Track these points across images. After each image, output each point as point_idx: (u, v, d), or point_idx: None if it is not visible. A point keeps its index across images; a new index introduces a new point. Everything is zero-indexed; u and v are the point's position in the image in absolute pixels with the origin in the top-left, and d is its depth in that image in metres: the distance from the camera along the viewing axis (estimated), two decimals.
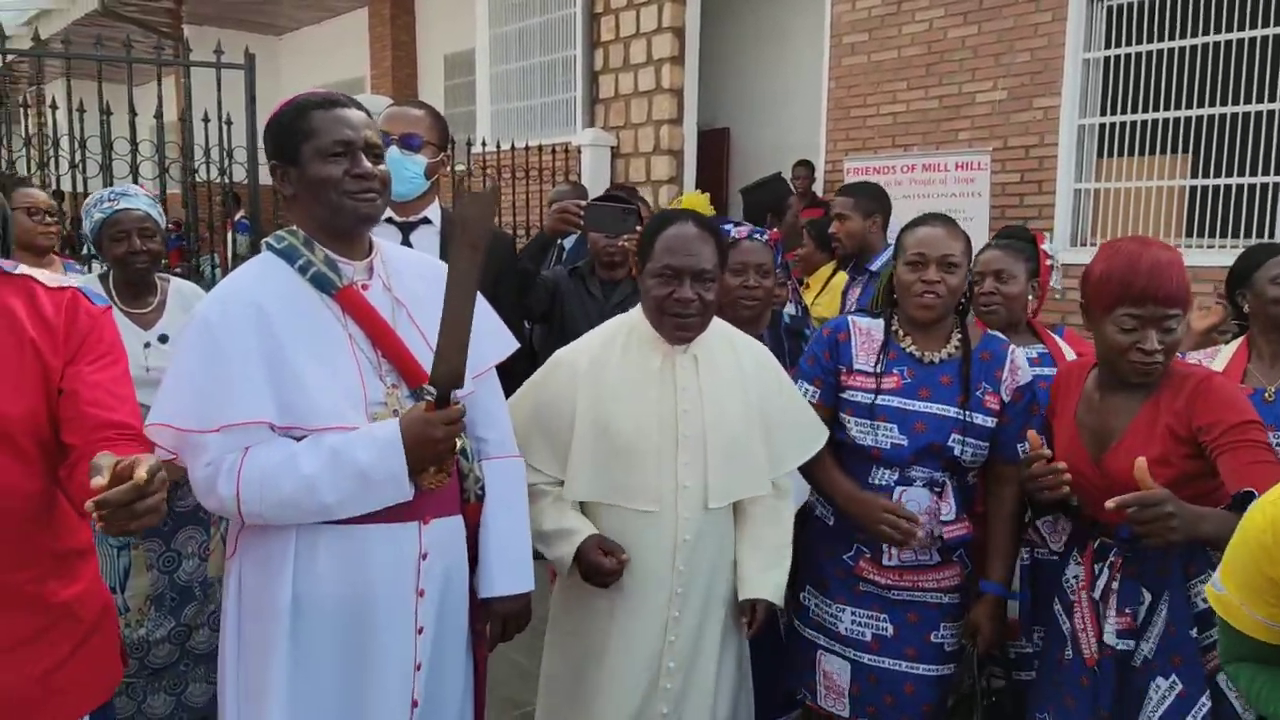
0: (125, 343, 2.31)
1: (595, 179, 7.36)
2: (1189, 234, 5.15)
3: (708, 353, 1.86)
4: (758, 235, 2.25)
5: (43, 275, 1.51)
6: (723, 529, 1.86)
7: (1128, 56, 5.25)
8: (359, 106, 1.60)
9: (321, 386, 1.49)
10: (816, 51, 6.66)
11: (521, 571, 1.71)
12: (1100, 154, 5.43)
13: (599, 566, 1.74)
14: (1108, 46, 5.30)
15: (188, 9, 11.63)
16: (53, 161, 4.77)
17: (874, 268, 3.39)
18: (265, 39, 12.40)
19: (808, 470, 1.99)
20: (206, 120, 4.87)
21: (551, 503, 1.84)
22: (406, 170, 2.25)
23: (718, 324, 1.91)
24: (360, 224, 1.58)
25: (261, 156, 5.00)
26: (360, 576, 1.55)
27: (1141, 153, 5.24)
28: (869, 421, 1.95)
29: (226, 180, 5.11)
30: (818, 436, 1.94)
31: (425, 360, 1.55)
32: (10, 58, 5.56)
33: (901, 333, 2.00)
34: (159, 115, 4.81)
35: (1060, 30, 5.33)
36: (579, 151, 7.53)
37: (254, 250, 5.24)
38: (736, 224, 2.33)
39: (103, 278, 2.44)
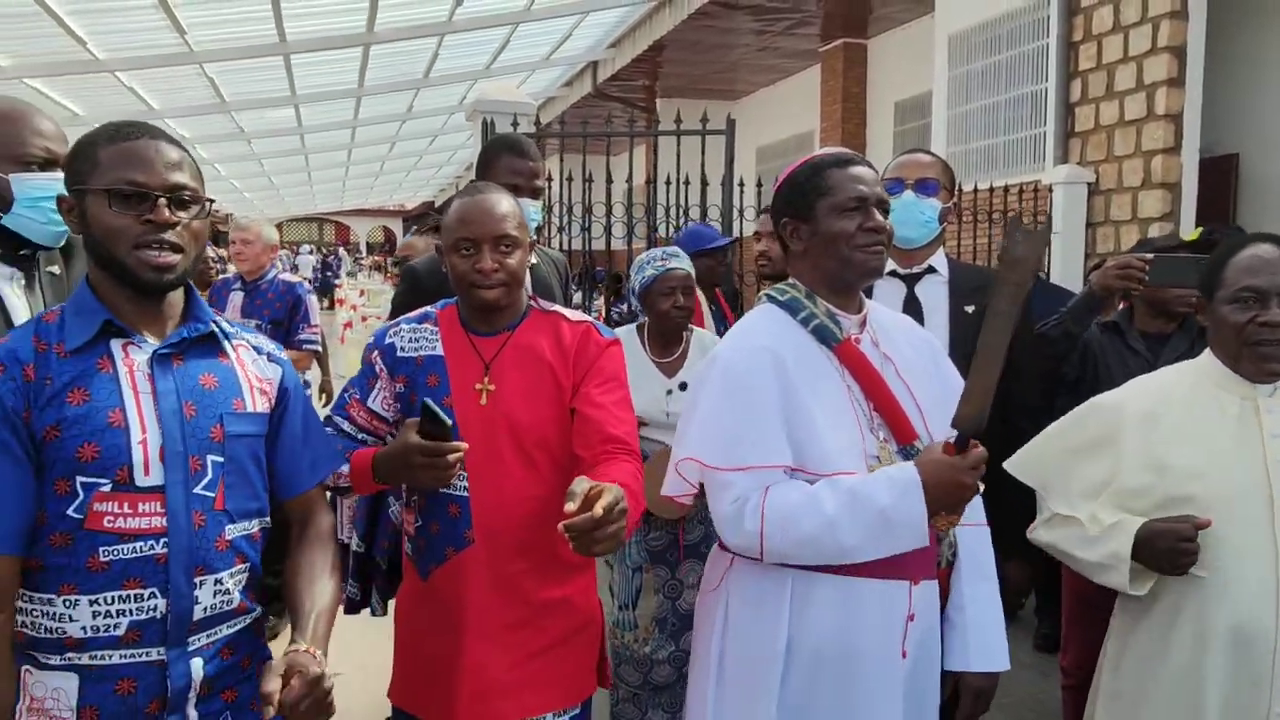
0: (649, 389, 2.54)
1: (1068, 219, 6.74)
2: None
3: None
4: None
5: (566, 311, 1.80)
6: None
7: None
8: (868, 165, 1.63)
9: (829, 435, 1.52)
10: None
11: (997, 647, 1.66)
12: None
13: (1178, 534, 1.58)
14: None
15: (660, 84, 12.98)
16: (549, 226, 5.55)
17: None
18: (723, 104, 13.39)
19: None
20: (674, 183, 5.30)
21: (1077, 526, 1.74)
22: (921, 214, 2.18)
23: None
24: (867, 277, 1.61)
25: (735, 213, 5.37)
26: (852, 631, 1.51)
27: None
28: None
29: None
30: None
31: (912, 416, 1.58)
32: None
33: None
34: (630, 180, 5.37)
35: None
36: (1049, 190, 6.96)
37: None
38: None
39: (639, 328, 2.70)
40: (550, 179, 5.82)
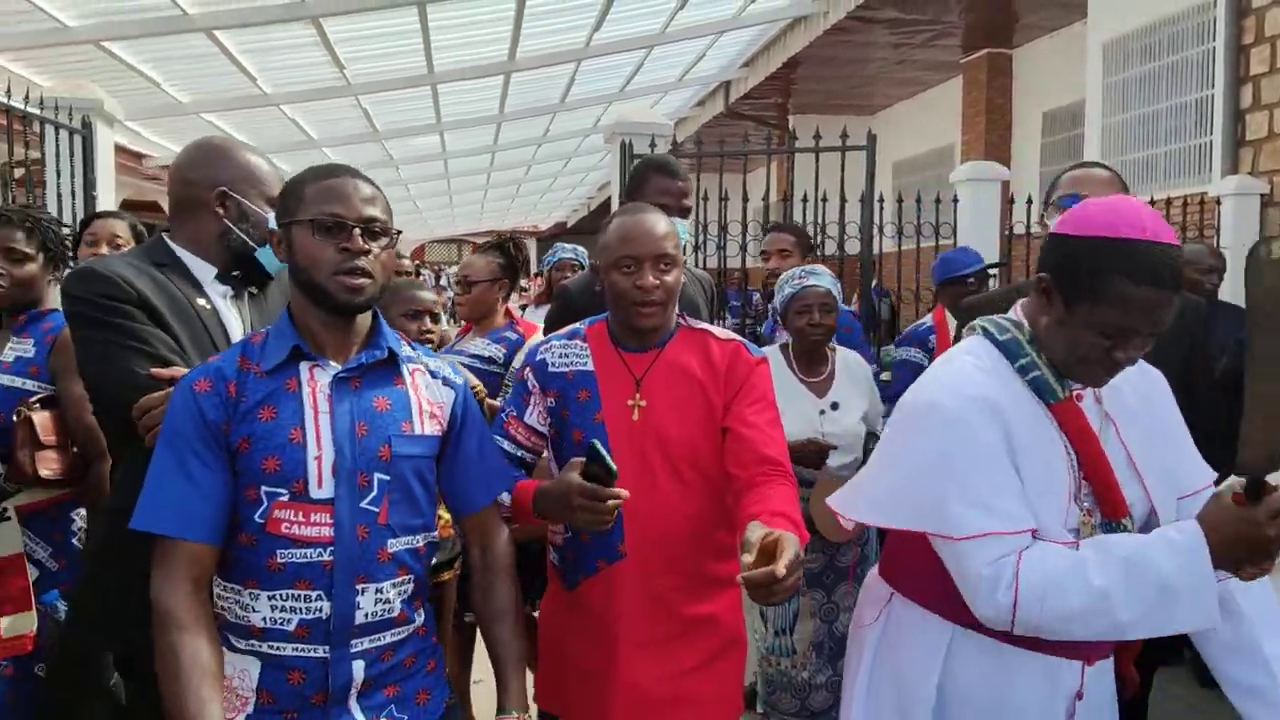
0: (800, 409, 2.52)
1: (1239, 233, 6.29)
2: None
3: None
4: None
5: (714, 329, 1.81)
6: None
7: None
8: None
9: (1037, 501, 1.39)
10: None
11: None
12: None
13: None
14: None
15: (793, 101, 12.89)
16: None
17: None
18: (858, 119, 13.19)
19: None
20: (815, 199, 5.24)
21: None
22: None
23: None
24: (1097, 382, 1.47)
25: (874, 230, 5.26)
26: (1008, 701, 1.45)
27: None
28: None
29: (839, 254, 5.43)
30: None
31: (1127, 484, 1.44)
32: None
33: None
34: (766, 198, 5.35)
35: None
36: (1217, 203, 6.52)
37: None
38: None
39: (784, 348, 2.70)
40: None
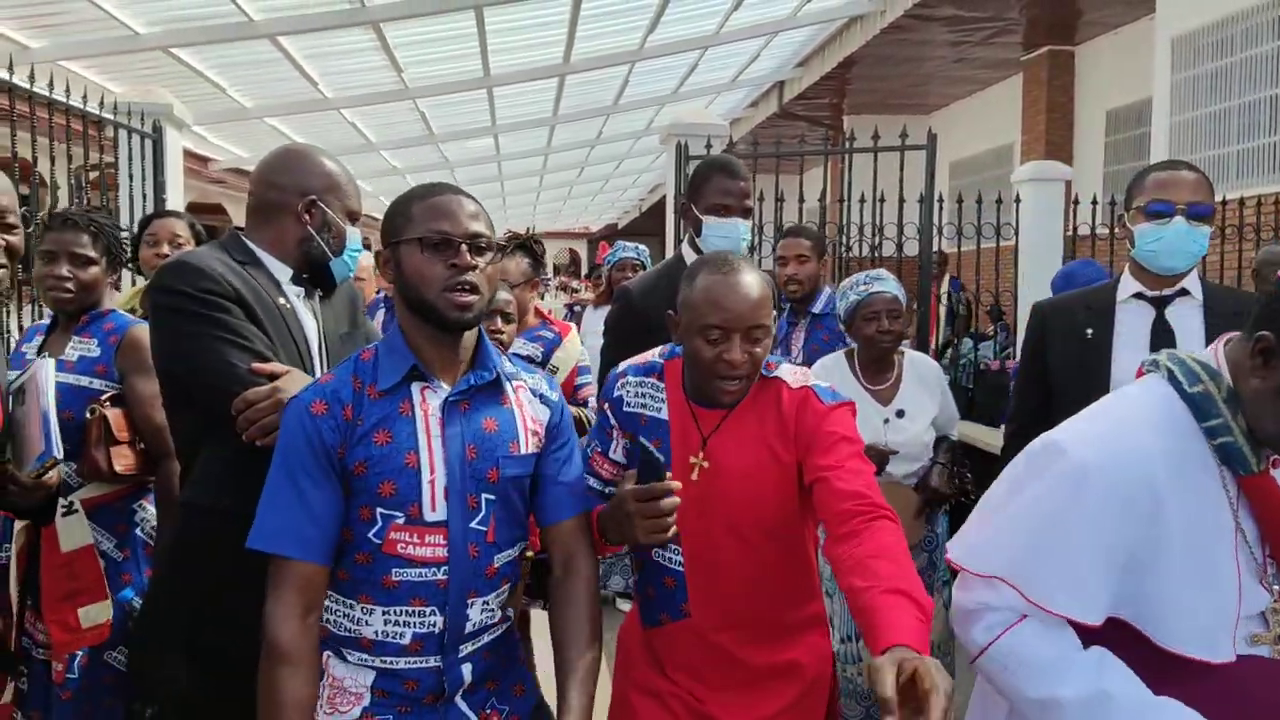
0: (865, 418, 2.46)
1: None
2: None
3: None
4: None
5: (787, 374, 1.66)
6: None
7: None
8: None
9: (1186, 606, 1.20)
10: None
11: None
12: None
13: None
14: None
15: (848, 101, 12.75)
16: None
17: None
18: (915, 119, 12.99)
19: None
20: (873, 200, 5.17)
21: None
22: (1195, 245, 2.00)
23: None
24: None
25: (936, 230, 5.17)
26: None
27: None
28: None
29: (875, 255, 5.35)
30: None
31: None
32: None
33: None
34: (823, 199, 5.25)
35: None
36: None
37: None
38: None
39: (849, 354, 2.66)
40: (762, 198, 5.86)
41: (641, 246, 4.91)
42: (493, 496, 1.46)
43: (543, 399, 1.58)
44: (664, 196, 7.76)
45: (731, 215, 2.31)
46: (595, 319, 5.07)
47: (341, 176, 1.84)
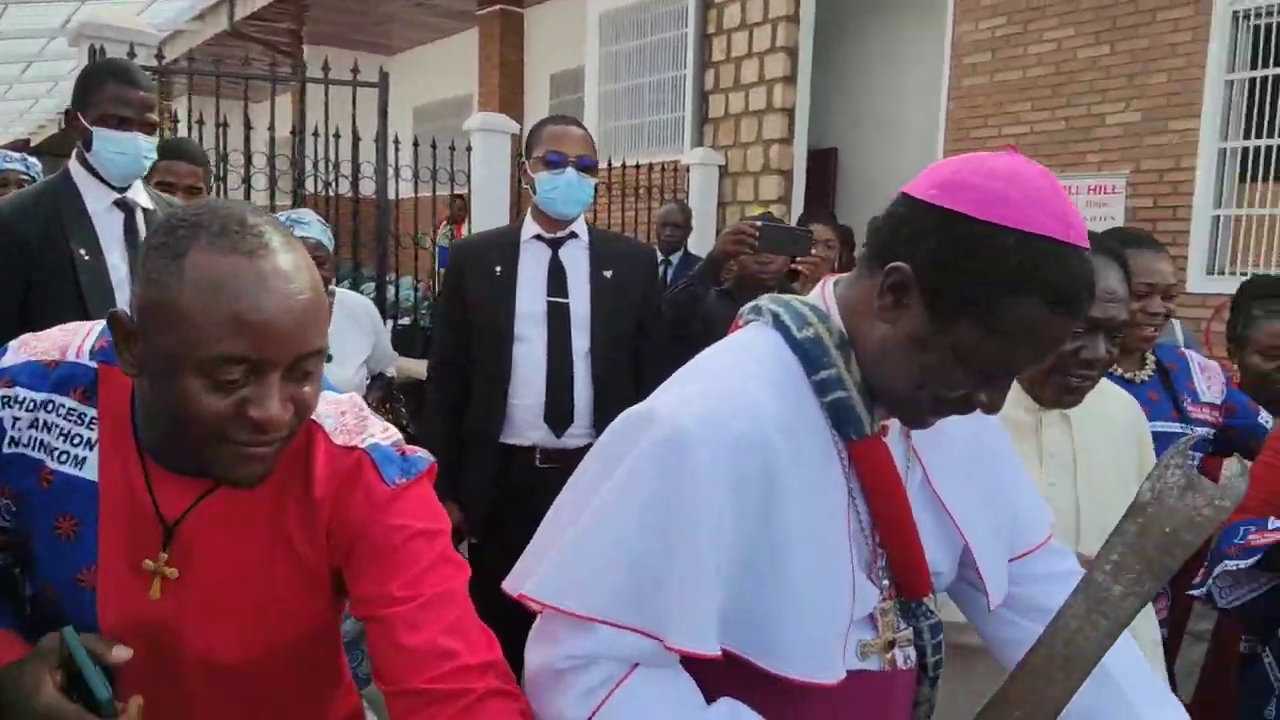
0: None
1: (703, 197, 7.37)
2: None
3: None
4: None
5: (329, 416, 1.00)
6: None
7: (1276, 78, 5.02)
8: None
9: (799, 615, 0.91)
10: (934, 73, 6.55)
11: None
12: (1242, 179, 5.19)
13: None
14: (1253, 67, 5.08)
15: (307, 30, 12.13)
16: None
17: None
18: (376, 58, 12.83)
19: None
20: (326, 135, 5.04)
21: None
22: (584, 193, 2.27)
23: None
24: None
25: (391, 173, 5.19)
26: None
27: None
28: None
29: (351, 195, 5.27)
30: None
31: (934, 548, 1.02)
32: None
33: None
34: (272, 128, 4.91)
35: (1201, 50, 5.12)
36: (687, 170, 7.56)
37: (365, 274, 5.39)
38: None
39: None
40: (176, 120, 5.23)
41: (33, 160, 4.11)
42: None
43: None
44: None
45: (129, 128, 2.05)
46: None
47: None
